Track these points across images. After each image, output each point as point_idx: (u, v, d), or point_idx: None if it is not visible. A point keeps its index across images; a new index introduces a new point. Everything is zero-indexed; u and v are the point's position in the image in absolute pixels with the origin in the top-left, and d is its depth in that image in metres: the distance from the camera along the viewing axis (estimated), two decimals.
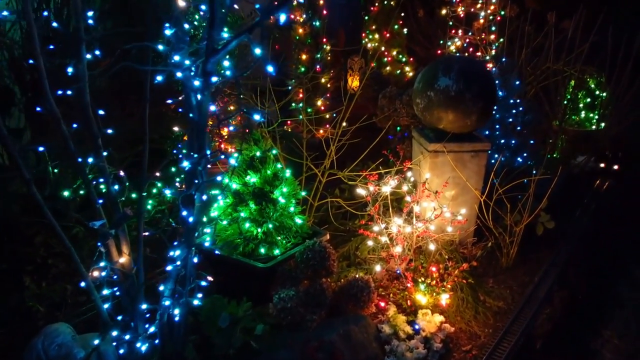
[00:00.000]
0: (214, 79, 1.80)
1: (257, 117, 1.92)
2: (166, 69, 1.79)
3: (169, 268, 2.12)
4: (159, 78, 1.81)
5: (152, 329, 2.22)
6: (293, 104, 5.63)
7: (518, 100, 4.75)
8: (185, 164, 1.94)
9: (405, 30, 7.20)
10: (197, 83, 1.80)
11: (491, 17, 6.00)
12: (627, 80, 5.46)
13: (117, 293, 2.59)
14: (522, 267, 4.10)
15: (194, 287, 2.28)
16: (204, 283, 2.25)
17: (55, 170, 3.99)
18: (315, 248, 2.96)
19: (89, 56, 2.17)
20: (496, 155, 4.77)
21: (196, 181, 2.04)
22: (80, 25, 2.10)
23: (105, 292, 2.50)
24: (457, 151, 3.90)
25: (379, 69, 6.98)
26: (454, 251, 3.85)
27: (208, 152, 1.93)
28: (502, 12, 5.99)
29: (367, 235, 3.69)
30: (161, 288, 2.20)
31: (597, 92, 6.11)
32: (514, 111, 4.72)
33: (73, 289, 3.50)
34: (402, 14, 7.27)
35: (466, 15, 6.11)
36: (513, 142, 4.72)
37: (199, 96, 1.82)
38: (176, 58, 1.76)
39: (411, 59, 7.27)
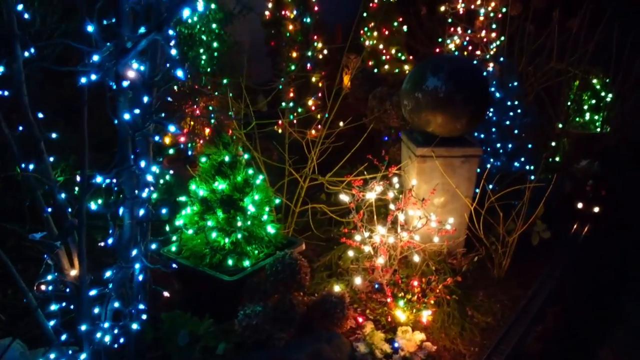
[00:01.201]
0: (125, 83, 1.61)
1: (172, 128, 1.72)
2: (85, 70, 1.59)
3: (92, 292, 1.93)
4: (83, 80, 1.62)
5: (82, 357, 2.03)
6: (283, 103, 5.44)
7: (516, 102, 4.51)
8: (99, 179, 1.75)
9: (405, 27, 6.95)
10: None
11: (492, 15, 5.74)
12: (632, 80, 5.20)
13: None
14: (515, 279, 3.87)
15: (140, 308, 2.08)
16: (141, 306, 2.05)
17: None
18: (285, 260, 2.77)
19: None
20: (492, 160, 4.55)
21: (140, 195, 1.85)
22: (13, 18, 1.91)
23: (53, 307, 2.33)
24: (447, 156, 3.68)
25: (377, 67, 6.75)
26: (441, 262, 3.64)
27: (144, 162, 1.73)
28: (504, 9, 5.73)
29: (350, 245, 3.49)
30: (96, 310, 2.02)
31: (603, 94, 5.83)
32: (511, 114, 4.48)
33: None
34: (402, 11, 7.02)
35: (467, 13, 5.87)
36: (510, 146, 4.47)
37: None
38: (95, 58, 1.57)
39: (411, 57, 7.03)
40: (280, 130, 5.37)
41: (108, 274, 1.94)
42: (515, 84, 4.47)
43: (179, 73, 1.55)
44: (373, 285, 3.43)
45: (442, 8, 5.91)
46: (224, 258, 2.91)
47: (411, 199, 3.50)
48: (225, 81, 5.33)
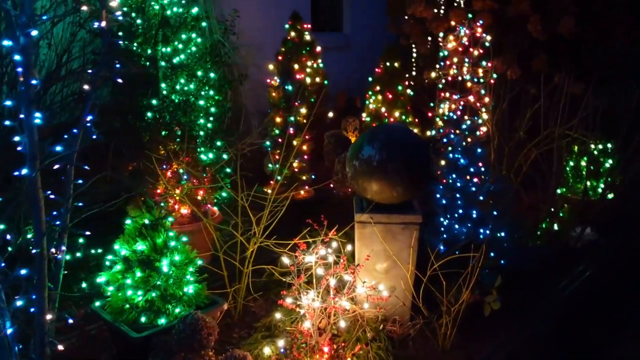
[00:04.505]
0: None
1: None
2: None
3: None
4: None
5: None
6: (270, 165, 5.70)
7: (482, 169, 4.49)
8: None
9: (409, 91, 7.10)
10: None
11: (482, 80, 5.79)
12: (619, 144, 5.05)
13: None
14: (461, 351, 3.77)
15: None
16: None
17: None
18: (186, 320, 2.91)
19: None
20: (456, 226, 4.52)
21: None
22: None
23: None
24: (386, 223, 3.74)
25: None
26: (377, 329, 3.63)
27: None
28: (495, 75, 5.77)
29: (286, 307, 3.57)
30: None
31: (602, 159, 5.65)
32: (475, 180, 4.46)
33: None
34: (407, 75, 7.20)
35: (461, 78, 5.94)
36: (475, 213, 4.44)
37: None
38: None
39: (417, 120, 7.14)
40: (269, 191, 5.61)
41: None
42: (479, 150, 4.47)
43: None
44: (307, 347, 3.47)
45: (433, 74, 6.03)
46: (139, 315, 3.11)
47: (345, 264, 3.57)
48: (219, 143, 5.69)
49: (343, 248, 3.72)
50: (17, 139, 2.31)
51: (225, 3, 7.26)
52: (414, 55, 7.73)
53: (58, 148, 2.38)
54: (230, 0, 7.25)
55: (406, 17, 7.09)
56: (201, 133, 5.57)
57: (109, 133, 5.52)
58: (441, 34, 6.11)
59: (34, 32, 2.01)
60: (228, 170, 5.15)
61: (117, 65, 2.94)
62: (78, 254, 3.88)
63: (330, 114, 6.93)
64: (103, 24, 2.83)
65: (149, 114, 5.10)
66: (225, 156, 5.49)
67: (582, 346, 3.96)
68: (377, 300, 3.54)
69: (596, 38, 6.41)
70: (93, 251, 3.83)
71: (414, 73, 7.47)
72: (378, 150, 3.61)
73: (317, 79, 6.90)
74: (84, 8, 3.24)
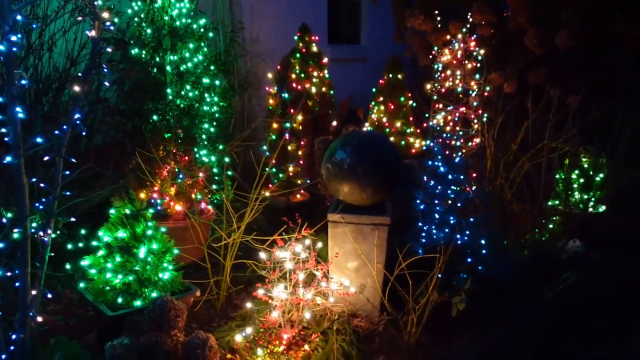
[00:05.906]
0: None
1: None
2: None
3: None
4: None
5: None
6: (266, 169, 5.98)
7: (462, 177, 4.66)
8: None
9: (411, 102, 7.30)
10: None
11: (474, 93, 5.95)
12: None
13: None
14: (425, 348, 3.94)
15: None
16: None
17: None
18: (156, 302, 3.20)
19: None
20: (434, 231, 4.70)
21: None
22: None
23: None
24: (357, 223, 3.96)
25: None
26: (344, 324, 3.84)
27: None
28: (488, 88, 5.92)
29: (260, 299, 3.82)
30: None
31: (591, 173, 5.73)
32: (452, 187, 4.64)
33: None
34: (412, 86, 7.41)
35: (454, 90, 6.11)
36: (452, 219, 4.61)
37: None
38: None
39: (418, 130, 7.32)
40: (267, 194, 5.89)
41: None
42: (457, 159, 4.65)
43: None
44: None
45: (428, 86, 6.21)
46: (117, 296, 3.41)
47: (316, 260, 3.80)
48: (221, 147, 6.01)
49: (314, 245, 3.96)
50: (3, 130, 2.64)
51: (243, 14, 7.63)
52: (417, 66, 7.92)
53: (38, 140, 2.70)
54: (248, 12, 7.63)
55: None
56: (203, 136, 5.90)
57: (119, 133, 5.96)
58: (437, 47, 6.27)
59: (13, 38, 2.35)
60: (229, 173, 5.46)
61: (105, 70, 3.26)
62: (80, 244, 4.27)
63: (334, 123, 7.18)
64: (93, 33, 3.16)
65: (155, 117, 5.46)
66: (227, 159, 5.81)
67: (555, 353, 4.07)
68: (344, 296, 3.77)
69: (598, 50, 6.46)
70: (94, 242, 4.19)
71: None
72: (349, 154, 3.85)
73: (323, 89, 7.17)
74: (80, 19, 3.58)
